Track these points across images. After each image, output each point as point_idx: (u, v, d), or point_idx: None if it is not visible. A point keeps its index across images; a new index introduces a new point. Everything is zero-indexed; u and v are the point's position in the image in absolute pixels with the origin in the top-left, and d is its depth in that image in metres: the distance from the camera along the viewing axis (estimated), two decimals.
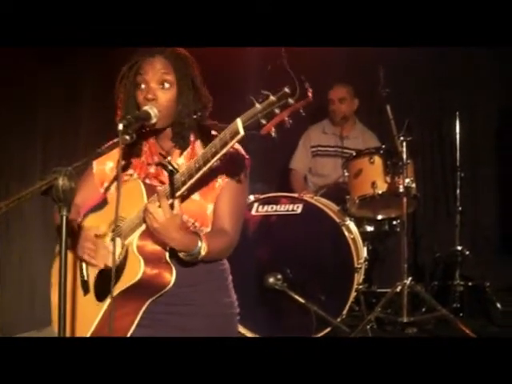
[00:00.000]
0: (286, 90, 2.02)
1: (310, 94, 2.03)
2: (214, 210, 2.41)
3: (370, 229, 4.87)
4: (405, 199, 4.19)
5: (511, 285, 5.00)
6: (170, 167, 2.20)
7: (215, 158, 2.13)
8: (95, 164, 2.58)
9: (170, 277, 2.29)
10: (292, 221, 4.32)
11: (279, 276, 4.22)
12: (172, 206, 2.18)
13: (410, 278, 4.11)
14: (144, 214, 2.22)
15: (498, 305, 4.64)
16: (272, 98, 2.02)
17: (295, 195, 4.47)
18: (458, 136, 4.85)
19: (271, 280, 4.21)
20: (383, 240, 5.04)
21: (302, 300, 4.12)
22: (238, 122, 2.07)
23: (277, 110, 2.02)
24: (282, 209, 4.35)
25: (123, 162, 2.49)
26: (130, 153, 2.42)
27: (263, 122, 2.05)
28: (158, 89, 2.36)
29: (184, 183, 2.18)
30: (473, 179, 5.42)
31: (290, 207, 4.33)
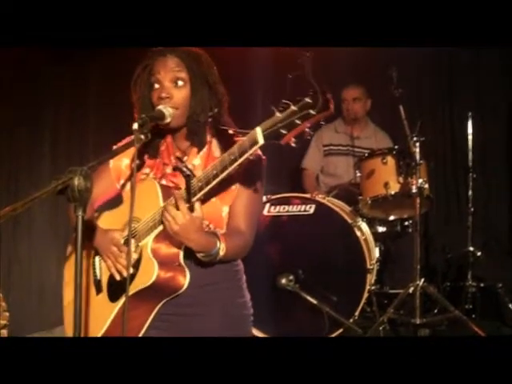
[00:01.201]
0: (308, 100, 2.00)
1: (331, 106, 2.01)
2: (229, 211, 2.41)
3: (381, 229, 4.86)
4: (418, 200, 4.16)
5: None
6: (187, 172, 2.19)
7: (233, 166, 2.13)
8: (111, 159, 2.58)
9: (184, 280, 2.28)
10: (304, 221, 4.31)
11: (291, 277, 4.22)
12: (192, 208, 2.19)
13: (422, 279, 4.09)
14: (162, 217, 2.21)
15: (511, 306, 4.61)
16: (293, 107, 2.01)
17: (307, 196, 4.47)
18: (470, 137, 4.82)
19: (283, 281, 4.20)
20: (395, 240, 5.03)
21: (314, 301, 4.11)
22: (258, 131, 2.07)
23: (298, 121, 2.01)
24: (295, 209, 4.34)
25: (138, 161, 2.49)
26: (147, 152, 2.43)
27: (283, 131, 2.04)
28: (171, 87, 2.37)
29: (201, 189, 2.18)
30: (485, 180, 5.39)
31: (303, 208, 4.32)
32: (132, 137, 2.59)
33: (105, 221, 2.49)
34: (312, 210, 4.31)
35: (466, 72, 5.49)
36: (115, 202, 2.57)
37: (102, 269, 2.45)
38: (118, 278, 2.34)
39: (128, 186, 2.52)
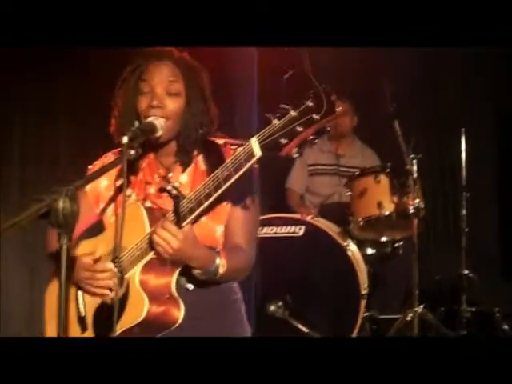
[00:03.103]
0: (309, 103, 1.80)
1: (337, 109, 1.80)
2: (225, 231, 2.20)
3: (370, 251, 4.62)
4: (415, 220, 3.94)
5: None
6: (175, 192, 1.97)
7: (228, 183, 1.92)
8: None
9: (179, 313, 2.07)
10: (294, 244, 4.08)
11: (280, 303, 3.98)
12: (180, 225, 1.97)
13: (421, 306, 3.87)
14: (153, 243, 1.98)
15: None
16: (293, 113, 1.81)
17: (297, 216, 4.24)
18: (463, 154, 4.62)
19: (272, 308, 3.97)
20: (383, 263, 4.81)
21: (305, 329, 3.86)
22: (254, 142, 1.86)
23: (299, 128, 1.79)
24: (283, 231, 4.10)
25: (119, 181, 2.26)
26: (127, 169, 2.17)
27: (283, 141, 1.81)
28: (164, 96, 2.14)
29: (192, 211, 1.96)
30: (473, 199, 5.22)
31: (292, 229, 4.10)
32: (109, 153, 2.36)
33: (83, 251, 2.21)
34: (302, 232, 4.09)
35: (455, 86, 5.34)
36: (94, 229, 2.32)
37: (86, 305, 2.20)
38: (108, 301, 2.09)
39: (110, 210, 2.28)
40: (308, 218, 4.17)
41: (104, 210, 2.29)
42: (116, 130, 2.25)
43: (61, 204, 1.65)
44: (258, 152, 1.86)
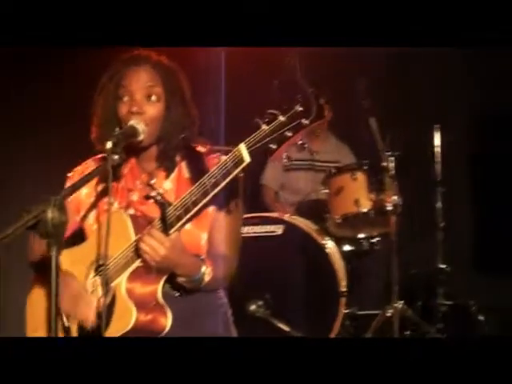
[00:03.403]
0: (298, 108, 1.79)
1: (326, 113, 1.79)
2: (209, 237, 2.18)
3: (347, 248, 4.64)
4: (393, 217, 3.96)
5: (493, 304, 4.83)
6: (161, 199, 1.96)
7: (216, 190, 1.91)
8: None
9: (166, 321, 2.06)
10: (273, 243, 4.06)
11: (260, 303, 3.96)
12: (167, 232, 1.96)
13: (401, 302, 3.89)
14: (139, 252, 1.97)
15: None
16: (281, 118, 1.81)
17: (275, 215, 4.22)
18: (438, 149, 4.65)
19: (252, 307, 3.94)
20: (360, 259, 4.83)
21: (286, 328, 3.86)
22: (243, 148, 1.85)
23: (288, 133, 1.78)
24: (262, 230, 4.08)
25: (100, 188, 2.24)
26: (108, 176, 2.14)
27: (272, 146, 1.81)
28: (143, 101, 2.13)
29: (179, 218, 1.95)
30: (452, 194, 5.26)
31: (271, 228, 4.08)
32: (89, 160, 2.33)
33: (64, 261, 2.17)
34: (280, 231, 4.07)
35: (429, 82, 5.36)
36: (75, 237, 2.29)
37: (69, 320, 2.16)
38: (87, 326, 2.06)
39: (91, 218, 2.25)
40: (286, 217, 4.16)
41: (85, 218, 2.27)
42: (97, 137, 2.23)
43: (50, 214, 1.62)
44: (246, 158, 1.85)
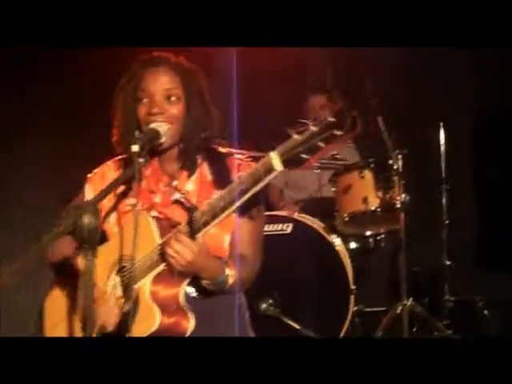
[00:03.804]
0: (330, 119, 1.79)
1: (358, 125, 1.80)
2: (232, 240, 2.20)
3: (353, 246, 4.66)
4: (402, 215, 3.98)
5: (499, 299, 4.86)
6: (188, 204, 1.98)
7: (245, 198, 1.90)
8: (88, 189, 2.32)
9: (188, 324, 2.07)
10: (282, 241, 4.06)
11: (271, 301, 3.97)
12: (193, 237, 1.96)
13: (410, 299, 3.91)
14: (166, 255, 1.97)
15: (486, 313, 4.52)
16: (313, 128, 1.79)
17: (284, 213, 4.23)
18: (442, 147, 4.67)
19: (263, 306, 3.95)
20: (366, 256, 4.85)
21: (297, 326, 3.88)
22: (274, 156, 1.83)
23: (320, 143, 1.78)
24: (271, 228, 4.09)
25: (120, 189, 2.25)
26: (129, 178, 2.13)
27: (304, 156, 1.80)
28: (164, 102, 2.13)
29: (206, 223, 1.94)
30: (457, 191, 5.29)
31: (279, 227, 4.09)
32: (109, 162, 2.34)
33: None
34: (289, 229, 4.09)
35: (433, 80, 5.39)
36: None
37: None
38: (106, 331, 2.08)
39: (112, 220, 2.26)
40: (295, 215, 4.17)
41: (105, 220, 2.26)
42: (117, 140, 2.24)
43: (86, 220, 1.64)
44: (278, 166, 1.84)
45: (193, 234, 1.94)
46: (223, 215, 1.93)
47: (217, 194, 1.95)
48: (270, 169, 1.85)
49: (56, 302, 2.28)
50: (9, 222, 4.37)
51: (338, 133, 1.78)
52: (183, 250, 1.93)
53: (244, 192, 1.90)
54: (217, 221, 1.94)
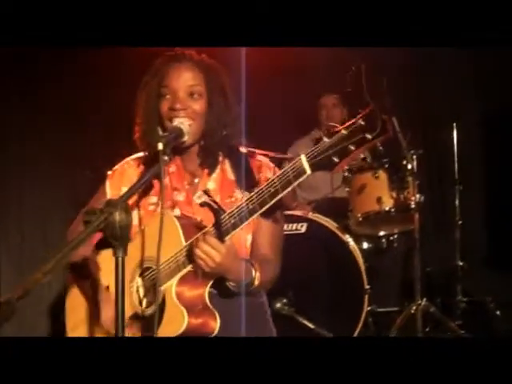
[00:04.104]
0: (361, 122, 1.78)
1: (390, 129, 1.80)
2: (253, 240, 2.22)
3: (365, 246, 4.67)
4: (416, 215, 3.99)
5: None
6: (216, 206, 1.95)
7: (274, 200, 1.90)
8: (108, 187, 2.32)
9: (215, 323, 2.07)
10: (297, 241, 4.06)
11: (285, 300, 3.98)
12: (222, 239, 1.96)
13: (424, 299, 3.92)
14: (194, 257, 1.97)
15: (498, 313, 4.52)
16: (344, 131, 1.79)
17: (298, 213, 4.24)
18: (455, 148, 4.68)
19: (278, 305, 3.96)
20: (380, 257, 4.86)
21: (311, 325, 3.89)
22: (304, 159, 1.84)
23: (351, 147, 1.77)
24: (286, 228, 4.08)
25: (144, 186, 2.23)
26: (152, 176, 2.10)
27: (335, 159, 1.79)
28: (186, 98, 2.14)
29: (235, 226, 1.94)
30: (471, 192, 5.29)
31: (294, 226, 4.10)
32: (129, 159, 2.35)
33: (105, 260, 2.20)
34: (304, 229, 4.09)
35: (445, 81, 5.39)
36: None
37: None
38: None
39: (135, 219, 2.24)
40: (309, 215, 4.18)
41: None
42: (140, 137, 2.24)
43: (117, 217, 1.63)
44: (307, 169, 1.85)
45: (221, 236, 1.94)
46: (252, 218, 1.94)
47: (245, 196, 1.96)
48: (300, 172, 1.86)
49: (76, 301, 2.29)
50: (8, 221, 4.37)
51: (369, 136, 1.78)
52: (212, 253, 1.93)
53: (272, 195, 1.89)
54: (246, 223, 1.94)
